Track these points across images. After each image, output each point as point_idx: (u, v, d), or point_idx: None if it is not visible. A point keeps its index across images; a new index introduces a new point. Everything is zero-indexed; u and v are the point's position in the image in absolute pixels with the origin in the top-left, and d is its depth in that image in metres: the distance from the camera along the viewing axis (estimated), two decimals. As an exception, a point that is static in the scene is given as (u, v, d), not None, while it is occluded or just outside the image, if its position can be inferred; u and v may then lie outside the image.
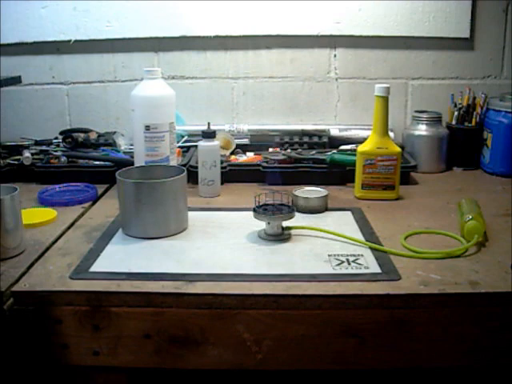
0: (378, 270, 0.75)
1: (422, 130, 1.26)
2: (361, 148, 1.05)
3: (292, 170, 1.14)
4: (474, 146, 1.28)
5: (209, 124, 1.08)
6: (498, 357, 0.71)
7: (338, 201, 1.04)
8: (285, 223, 0.87)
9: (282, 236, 0.86)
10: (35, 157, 1.19)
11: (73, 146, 1.23)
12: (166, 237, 0.86)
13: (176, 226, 0.88)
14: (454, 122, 1.29)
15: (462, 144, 1.28)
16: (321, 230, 0.87)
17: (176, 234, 0.87)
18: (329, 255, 0.80)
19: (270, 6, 1.32)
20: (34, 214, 0.94)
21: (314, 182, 1.06)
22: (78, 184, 1.11)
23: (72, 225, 0.93)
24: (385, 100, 1.03)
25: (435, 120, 1.26)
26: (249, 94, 1.40)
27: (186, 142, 1.30)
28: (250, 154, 1.27)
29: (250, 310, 0.69)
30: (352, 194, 1.08)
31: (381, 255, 0.80)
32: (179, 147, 1.23)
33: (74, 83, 1.40)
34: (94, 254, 0.80)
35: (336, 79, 1.39)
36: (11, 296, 0.70)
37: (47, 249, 0.83)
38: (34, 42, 1.36)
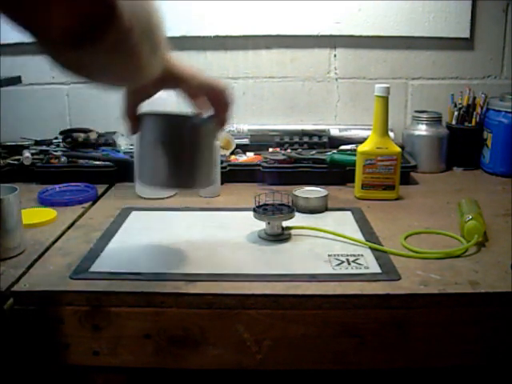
0: (378, 270, 0.75)
1: (422, 129, 1.26)
2: (361, 148, 1.05)
3: (292, 170, 1.14)
4: (473, 146, 1.28)
5: (209, 124, 1.08)
6: (497, 357, 0.71)
7: (338, 201, 1.04)
8: (285, 223, 0.87)
9: (282, 236, 0.86)
10: (35, 157, 1.18)
11: (73, 146, 1.23)
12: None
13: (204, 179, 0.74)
14: (454, 122, 1.29)
15: (462, 144, 1.28)
16: (321, 230, 0.87)
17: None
18: (329, 255, 0.80)
19: (270, 6, 1.32)
20: (34, 214, 0.94)
21: (314, 182, 1.06)
22: (78, 184, 1.11)
23: (72, 225, 0.93)
24: (385, 100, 1.03)
25: (435, 120, 1.26)
26: (249, 94, 1.40)
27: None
28: (250, 154, 1.27)
29: (250, 310, 0.69)
30: (352, 194, 1.08)
31: (381, 255, 0.80)
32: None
33: (74, 83, 1.40)
34: (93, 253, 0.80)
35: (336, 79, 1.39)
36: (11, 296, 0.70)
37: (47, 249, 0.83)
38: (34, 42, 1.35)
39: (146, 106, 0.71)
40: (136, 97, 0.69)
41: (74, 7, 0.40)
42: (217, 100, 0.71)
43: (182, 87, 0.70)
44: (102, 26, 0.42)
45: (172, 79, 0.67)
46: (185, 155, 0.69)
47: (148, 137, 0.70)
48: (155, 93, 0.70)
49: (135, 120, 0.70)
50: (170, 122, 0.70)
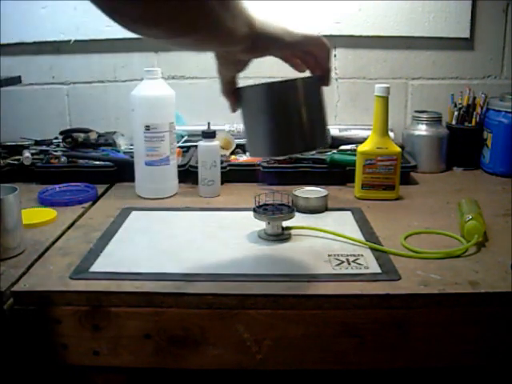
0: (378, 270, 0.75)
1: (422, 129, 1.26)
2: (361, 148, 1.05)
3: (292, 169, 1.14)
4: (473, 146, 1.28)
5: (209, 124, 1.08)
6: (497, 357, 0.71)
7: (337, 201, 1.04)
8: (285, 223, 0.87)
9: (282, 236, 0.86)
10: (35, 157, 1.18)
11: (73, 146, 1.23)
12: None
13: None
14: (454, 122, 1.29)
15: (462, 144, 1.28)
16: (321, 230, 0.87)
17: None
18: (329, 255, 0.80)
19: (270, 6, 1.32)
20: (34, 214, 0.94)
21: (314, 182, 1.06)
22: (78, 184, 1.11)
23: (72, 225, 0.93)
24: (385, 100, 1.03)
25: (435, 120, 1.26)
26: (249, 94, 1.40)
27: (185, 141, 1.30)
28: (250, 154, 1.26)
29: (250, 310, 0.69)
30: (352, 194, 1.08)
31: (381, 255, 0.80)
32: (179, 147, 1.23)
33: (74, 83, 1.40)
34: (93, 253, 0.80)
35: (336, 79, 1.39)
36: (11, 296, 0.70)
37: (47, 249, 0.83)
38: (34, 42, 1.35)
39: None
40: (230, 69, 0.66)
41: None
42: (314, 54, 0.67)
43: (275, 49, 0.64)
44: None
45: (262, 41, 0.60)
46: (294, 120, 0.68)
47: (253, 110, 0.69)
48: (249, 61, 0.65)
49: (235, 96, 0.68)
50: (272, 90, 0.68)
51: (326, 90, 1.47)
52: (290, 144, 0.69)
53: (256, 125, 0.70)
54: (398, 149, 1.05)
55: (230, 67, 0.66)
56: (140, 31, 0.51)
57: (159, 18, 0.48)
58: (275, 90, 0.68)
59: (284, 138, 0.68)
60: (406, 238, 0.86)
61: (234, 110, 0.70)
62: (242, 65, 0.66)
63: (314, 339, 0.70)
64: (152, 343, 0.70)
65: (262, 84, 0.67)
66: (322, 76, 0.68)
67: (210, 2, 0.50)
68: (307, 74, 0.73)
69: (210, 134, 1.06)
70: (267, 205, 0.88)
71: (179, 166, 1.12)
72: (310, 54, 0.67)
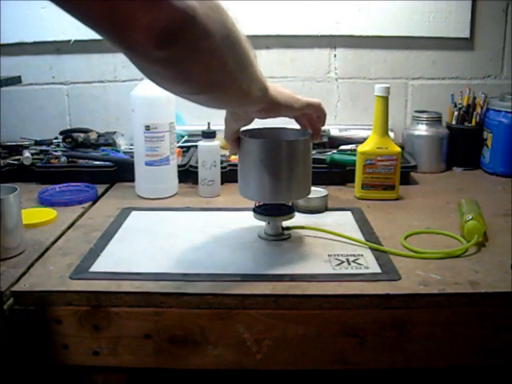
0: (378, 270, 0.75)
1: (422, 129, 1.26)
2: (361, 148, 1.05)
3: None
4: (474, 146, 1.28)
5: (209, 124, 1.08)
6: (498, 357, 0.71)
7: (338, 201, 1.04)
8: (285, 223, 0.87)
9: (282, 236, 0.86)
10: (35, 157, 1.18)
11: (73, 146, 1.23)
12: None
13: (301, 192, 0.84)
14: (454, 122, 1.29)
15: (462, 144, 1.28)
16: (321, 230, 0.87)
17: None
18: (329, 255, 0.80)
19: (270, 6, 1.32)
20: (34, 214, 0.94)
21: (314, 182, 1.05)
22: (78, 184, 1.11)
23: (72, 225, 0.93)
24: (385, 100, 1.03)
25: (435, 120, 1.26)
26: (249, 94, 1.40)
27: (185, 141, 1.30)
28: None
29: (250, 310, 0.69)
30: (352, 194, 1.08)
31: (381, 255, 0.80)
32: (179, 147, 1.23)
33: (73, 83, 1.40)
34: (93, 254, 0.80)
35: (336, 79, 1.39)
36: (11, 296, 0.70)
37: (47, 249, 0.83)
38: (34, 42, 1.35)
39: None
40: (238, 122, 0.76)
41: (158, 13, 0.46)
42: (313, 117, 0.79)
43: (285, 113, 0.74)
44: (181, 27, 0.47)
45: (275, 107, 0.71)
46: (283, 173, 0.79)
47: (248, 157, 0.79)
48: (255, 117, 0.74)
49: (236, 141, 0.79)
50: (267, 146, 0.78)
51: (326, 90, 1.48)
52: (277, 194, 0.80)
53: (250, 171, 0.80)
54: (398, 149, 1.05)
55: (238, 121, 0.76)
56: (168, 88, 0.58)
57: (187, 78, 0.55)
58: (264, 146, 0.78)
59: (272, 188, 0.79)
60: (406, 237, 0.86)
61: (233, 153, 0.81)
62: (249, 120, 0.75)
63: (313, 339, 0.70)
64: (152, 343, 0.70)
65: (259, 140, 0.78)
66: (315, 132, 0.81)
67: (230, 65, 0.57)
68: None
69: (209, 134, 1.06)
70: (267, 205, 0.87)
71: (179, 166, 1.12)
72: (310, 115, 0.79)
